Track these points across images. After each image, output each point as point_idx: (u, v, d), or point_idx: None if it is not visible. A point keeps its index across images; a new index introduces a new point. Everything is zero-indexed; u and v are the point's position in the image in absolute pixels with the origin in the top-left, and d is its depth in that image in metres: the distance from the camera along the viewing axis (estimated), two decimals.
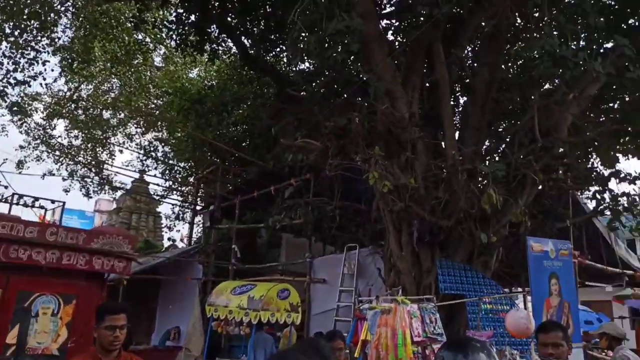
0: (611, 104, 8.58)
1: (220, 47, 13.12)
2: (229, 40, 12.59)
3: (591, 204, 8.07)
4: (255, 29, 11.86)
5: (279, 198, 9.65)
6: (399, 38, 9.85)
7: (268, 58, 12.94)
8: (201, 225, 14.59)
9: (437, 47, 7.31)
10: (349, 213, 9.12)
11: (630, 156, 9.48)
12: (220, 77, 15.87)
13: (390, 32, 10.01)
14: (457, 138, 7.57)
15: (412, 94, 7.28)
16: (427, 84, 7.96)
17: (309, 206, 8.99)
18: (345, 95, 9.26)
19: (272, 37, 11.95)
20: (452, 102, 8.83)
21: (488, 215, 6.84)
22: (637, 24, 6.85)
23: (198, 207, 13.66)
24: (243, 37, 11.97)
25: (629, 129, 8.53)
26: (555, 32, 5.42)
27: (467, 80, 8.70)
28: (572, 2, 6.22)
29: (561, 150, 7.47)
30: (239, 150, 12.88)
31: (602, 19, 6.46)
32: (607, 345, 4.83)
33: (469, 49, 8.90)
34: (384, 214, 7.35)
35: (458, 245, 7.16)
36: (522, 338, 5.66)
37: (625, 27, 7.19)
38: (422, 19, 7.82)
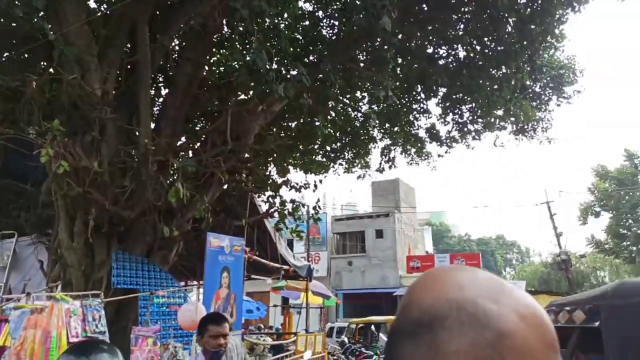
0: (290, 123, 10.06)
1: None
2: None
3: (265, 206, 9.19)
4: None
5: None
6: (102, 8, 8.89)
7: None
8: None
9: (142, 28, 6.92)
10: (10, 194, 7.55)
11: (298, 169, 11.38)
12: None
13: None
14: (152, 128, 7.33)
15: (108, 71, 6.64)
16: (128, 66, 7.43)
17: None
18: (25, 54, 7.70)
19: None
20: (152, 91, 8.53)
21: (174, 209, 6.87)
22: (315, 60, 8.24)
23: None
24: None
25: (300, 146, 10.22)
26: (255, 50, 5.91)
27: (170, 73, 8.59)
28: (271, 26, 6.97)
29: (247, 155, 8.25)
30: None
31: (291, 49, 7.50)
32: None
33: (177, 42, 8.81)
34: (55, 199, 6.40)
35: (138, 238, 6.90)
36: (191, 330, 5.86)
37: (307, 60, 8.57)
38: None
